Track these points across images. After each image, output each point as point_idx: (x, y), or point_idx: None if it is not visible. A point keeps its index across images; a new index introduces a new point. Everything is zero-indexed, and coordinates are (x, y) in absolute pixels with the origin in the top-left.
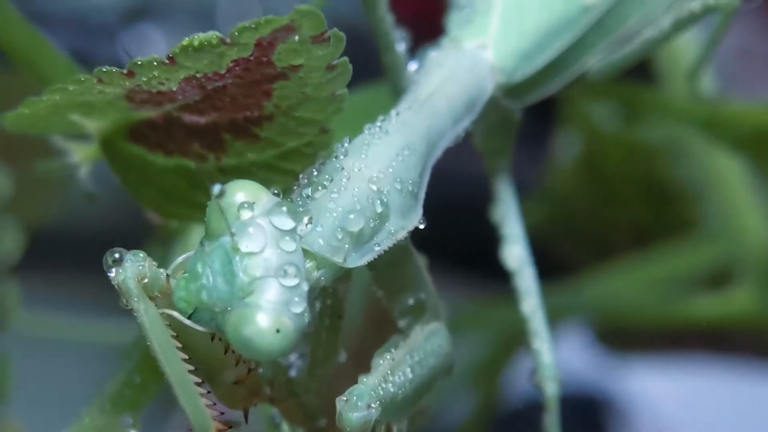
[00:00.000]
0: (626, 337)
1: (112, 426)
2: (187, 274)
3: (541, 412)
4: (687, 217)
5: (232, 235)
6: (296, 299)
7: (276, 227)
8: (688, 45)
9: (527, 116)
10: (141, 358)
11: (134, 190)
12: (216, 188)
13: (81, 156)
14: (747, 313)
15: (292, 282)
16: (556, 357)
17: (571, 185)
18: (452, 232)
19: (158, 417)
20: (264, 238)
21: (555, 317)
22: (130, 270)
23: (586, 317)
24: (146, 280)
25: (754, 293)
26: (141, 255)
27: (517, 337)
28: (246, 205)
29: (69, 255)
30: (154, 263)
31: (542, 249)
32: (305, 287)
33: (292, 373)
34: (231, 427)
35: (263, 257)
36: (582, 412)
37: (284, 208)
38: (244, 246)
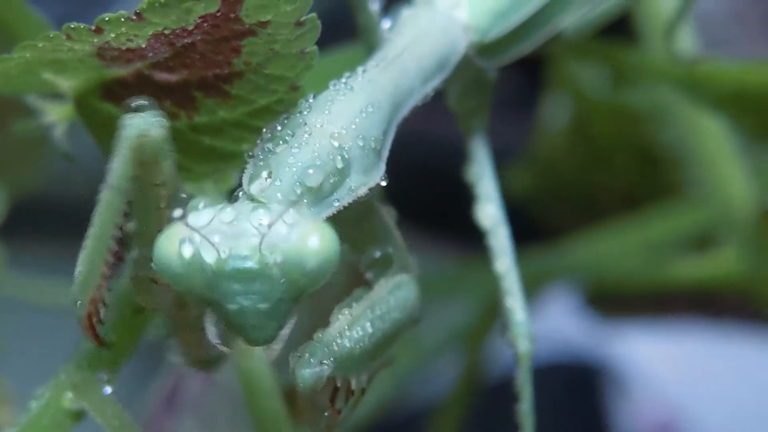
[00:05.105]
0: (616, 301)
1: (88, 382)
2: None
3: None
4: (674, 181)
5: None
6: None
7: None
8: (669, 3)
9: (514, 82)
10: (117, 317)
11: (109, 150)
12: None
13: (56, 116)
14: (732, 275)
15: None
16: (529, 316)
17: (559, 150)
18: (436, 194)
19: (138, 381)
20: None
21: (543, 281)
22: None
23: (575, 282)
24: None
25: (738, 255)
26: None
27: None
28: None
29: (51, 221)
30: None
31: (530, 215)
32: None
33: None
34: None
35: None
36: (572, 376)
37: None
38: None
